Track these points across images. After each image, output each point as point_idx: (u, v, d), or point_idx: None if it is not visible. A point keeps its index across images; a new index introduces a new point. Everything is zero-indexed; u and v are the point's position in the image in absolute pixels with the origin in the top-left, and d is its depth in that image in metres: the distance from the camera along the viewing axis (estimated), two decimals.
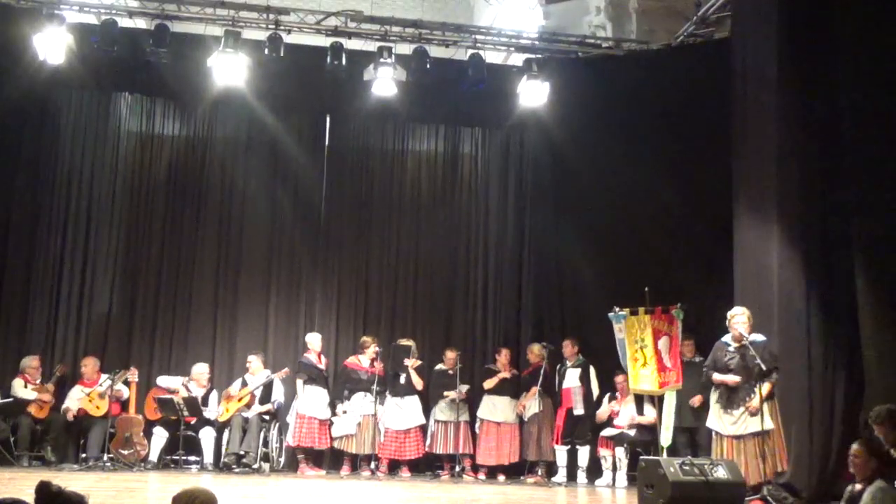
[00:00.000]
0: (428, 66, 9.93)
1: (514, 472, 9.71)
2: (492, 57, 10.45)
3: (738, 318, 7.47)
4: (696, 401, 8.88)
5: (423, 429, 9.73)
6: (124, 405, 9.43)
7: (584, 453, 9.46)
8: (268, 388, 9.62)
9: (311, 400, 9.61)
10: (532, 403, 9.59)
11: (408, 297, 10.79)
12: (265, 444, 9.44)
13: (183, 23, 10.03)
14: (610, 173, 10.18)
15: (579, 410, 9.47)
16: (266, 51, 9.62)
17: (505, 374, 9.83)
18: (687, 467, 6.39)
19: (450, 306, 10.81)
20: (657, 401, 8.96)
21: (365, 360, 9.76)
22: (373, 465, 9.45)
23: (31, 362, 9.42)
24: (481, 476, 9.61)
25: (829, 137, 7.75)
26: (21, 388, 9.27)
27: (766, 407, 7.17)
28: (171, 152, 10.68)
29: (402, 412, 9.64)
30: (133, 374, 9.45)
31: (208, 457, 9.37)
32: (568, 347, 9.75)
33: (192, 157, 10.67)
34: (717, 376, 7.57)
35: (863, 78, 7.55)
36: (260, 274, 10.55)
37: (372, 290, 10.73)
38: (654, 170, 9.91)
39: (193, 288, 10.36)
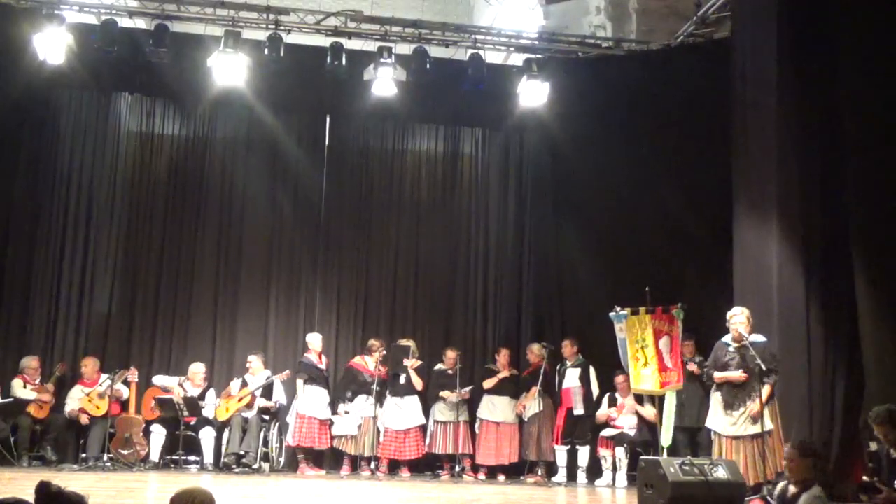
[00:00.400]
0: (428, 66, 9.93)
1: (514, 472, 9.71)
2: (492, 57, 10.45)
3: (737, 318, 7.47)
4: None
5: (423, 429, 9.73)
6: (124, 405, 9.43)
7: (583, 453, 9.46)
8: (268, 388, 9.62)
9: (312, 400, 9.60)
10: (532, 403, 9.59)
11: (408, 297, 10.79)
12: (265, 443, 9.43)
13: (183, 23, 10.03)
14: (610, 173, 10.19)
15: (579, 410, 9.47)
16: (266, 51, 9.62)
17: (505, 374, 9.83)
18: (687, 467, 6.39)
19: (450, 306, 10.81)
20: (657, 401, 8.96)
21: (371, 362, 9.75)
22: (373, 465, 9.45)
23: (31, 362, 9.42)
24: (481, 476, 9.61)
25: (829, 137, 7.76)
26: (20, 389, 9.27)
27: (766, 408, 7.17)
28: (171, 152, 10.68)
29: (402, 412, 9.64)
30: (133, 374, 9.45)
31: (208, 457, 9.37)
32: (567, 347, 9.75)
33: (192, 158, 10.68)
34: (718, 374, 7.57)
35: (863, 78, 7.55)
36: (260, 274, 10.55)
37: (372, 289, 10.73)
38: (654, 170, 9.92)
39: (193, 288, 10.37)
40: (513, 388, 9.82)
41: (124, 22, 9.82)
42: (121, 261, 10.28)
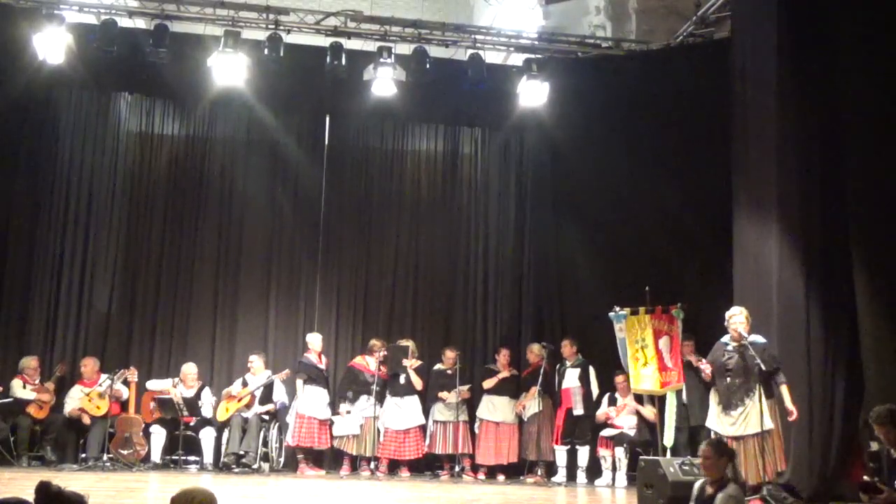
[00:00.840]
0: (428, 66, 9.93)
1: (514, 472, 9.70)
2: (492, 57, 10.45)
3: (736, 317, 7.46)
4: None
5: (423, 429, 9.73)
6: (124, 405, 9.42)
7: (583, 453, 9.46)
8: (268, 388, 9.62)
9: (311, 400, 9.60)
10: (531, 403, 9.59)
11: (407, 297, 10.79)
12: (265, 443, 9.43)
13: (182, 23, 10.03)
14: (610, 173, 10.19)
15: (579, 410, 9.46)
16: (266, 51, 9.61)
17: (504, 374, 9.83)
18: (687, 467, 6.40)
19: (450, 306, 10.81)
20: (658, 401, 8.97)
21: (373, 362, 9.74)
22: (372, 465, 9.45)
23: (30, 363, 9.42)
24: (481, 476, 9.61)
25: (829, 137, 7.76)
26: (20, 389, 9.27)
27: (765, 407, 7.16)
28: (171, 152, 10.68)
29: (402, 412, 9.63)
30: (132, 374, 9.44)
31: (208, 457, 9.37)
32: (567, 347, 9.75)
33: (192, 157, 10.68)
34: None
35: (862, 78, 7.55)
36: (260, 274, 10.55)
37: (372, 289, 10.73)
38: (654, 170, 9.92)
39: (193, 288, 10.37)
40: (513, 388, 9.82)
41: (124, 22, 9.81)
42: (121, 261, 10.28)
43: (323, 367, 9.86)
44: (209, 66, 9.52)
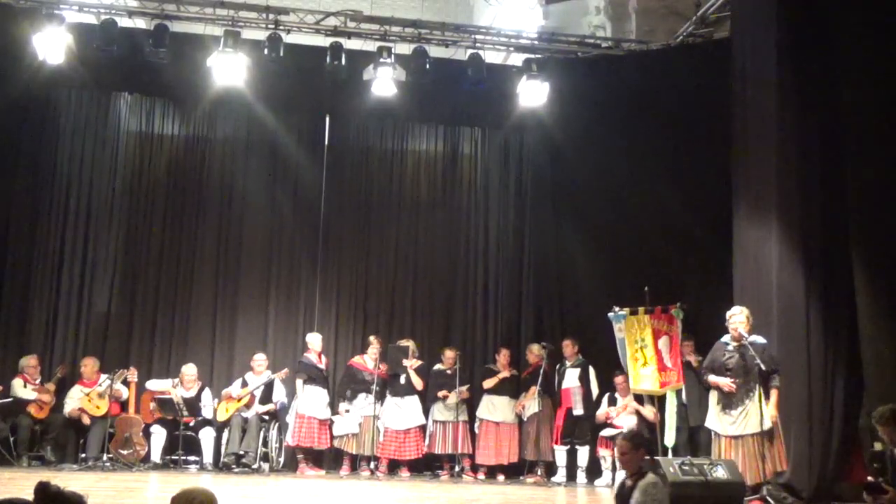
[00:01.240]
0: (427, 66, 9.92)
1: (514, 472, 9.70)
2: (491, 57, 10.45)
3: (736, 317, 7.45)
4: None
5: (423, 429, 9.73)
6: (124, 405, 9.42)
7: (583, 453, 9.46)
8: (268, 388, 9.62)
9: (311, 400, 9.60)
10: (531, 403, 9.59)
11: (407, 297, 10.79)
12: (265, 443, 9.44)
13: (182, 23, 10.03)
14: (610, 173, 10.19)
15: (579, 411, 9.47)
16: (265, 51, 9.61)
17: (504, 374, 9.83)
18: (687, 467, 6.40)
19: (449, 306, 10.81)
20: (657, 401, 8.97)
21: (369, 360, 9.75)
22: (372, 465, 9.45)
23: (30, 361, 9.42)
24: (480, 476, 9.61)
25: (829, 137, 7.75)
26: (21, 388, 9.27)
27: (765, 407, 7.16)
28: (171, 152, 10.68)
29: (402, 412, 9.63)
30: (132, 374, 9.44)
31: (208, 457, 9.38)
32: (568, 347, 9.75)
33: (192, 157, 10.68)
34: (712, 378, 7.56)
35: (862, 78, 7.55)
36: (260, 274, 10.55)
37: (371, 289, 10.73)
38: (654, 170, 9.92)
39: (193, 288, 10.37)
40: (512, 388, 9.82)
41: (124, 22, 9.81)
42: (121, 261, 10.29)
43: (323, 367, 9.86)
44: (209, 66, 9.52)
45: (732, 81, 8.78)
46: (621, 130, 10.16)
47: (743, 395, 7.36)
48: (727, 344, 7.55)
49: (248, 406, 9.48)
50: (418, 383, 9.66)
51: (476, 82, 9.98)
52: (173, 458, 9.26)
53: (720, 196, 8.89)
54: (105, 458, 8.93)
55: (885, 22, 7.46)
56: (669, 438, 8.98)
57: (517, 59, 10.52)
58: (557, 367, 9.74)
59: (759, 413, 7.16)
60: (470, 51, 10.15)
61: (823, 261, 7.71)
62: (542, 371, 9.46)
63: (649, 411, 9.17)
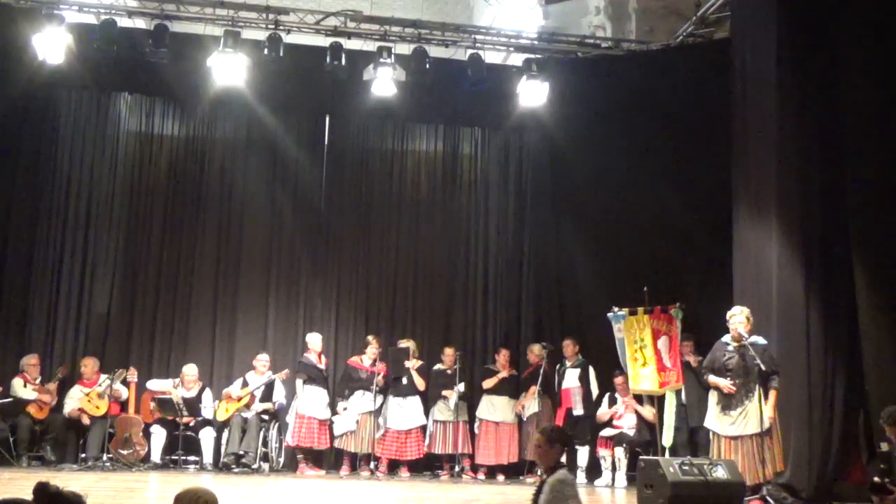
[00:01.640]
0: (427, 66, 9.92)
1: (514, 472, 9.70)
2: (491, 57, 10.44)
3: (737, 317, 7.45)
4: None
5: (425, 429, 9.73)
6: (123, 405, 9.42)
7: (583, 453, 9.46)
8: (269, 388, 9.62)
9: (311, 400, 9.60)
10: (531, 403, 9.59)
11: (407, 297, 10.79)
12: (264, 444, 9.43)
13: (182, 23, 10.03)
14: (610, 173, 10.19)
15: (578, 411, 9.46)
16: (265, 51, 9.61)
17: (504, 374, 9.83)
18: (686, 467, 6.39)
19: (450, 306, 10.81)
20: (657, 401, 8.97)
21: (366, 359, 9.76)
22: (372, 465, 9.45)
23: (30, 360, 9.42)
24: (480, 476, 9.61)
25: (829, 137, 7.75)
26: (21, 388, 9.27)
27: (765, 407, 7.17)
28: (171, 152, 10.68)
29: (404, 412, 9.64)
30: (132, 374, 9.44)
31: (208, 457, 9.37)
32: (569, 347, 9.75)
33: (192, 157, 10.67)
34: (713, 378, 7.56)
35: (862, 78, 7.55)
36: (260, 274, 10.55)
37: (372, 289, 10.73)
38: (654, 170, 9.91)
39: (193, 288, 10.37)
40: (512, 388, 9.82)
41: (124, 22, 9.80)
42: (121, 261, 10.28)
43: (323, 367, 9.86)
44: (209, 66, 9.52)
45: (732, 81, 8.78)
46: (621, 130, 10.16)
47: (743, 396, 7.36)
48: (727, 344, 7.55)
49: (248, 406, 9.48)
50: (421, 384, 9.66)
51: (476, 82, 9.98)
52: (173, 458, 9.26)
53: (720, 196, 8.89)
54: (105, 458, 8.93)
55: (885, 22, 7.46)
56: (667, 438, 8.99)
57: (517, 59, 10.51)
58: (557, 367, 9.74)
59: (758, 413, 7.16)
60: (470, 51, 10.15)
61: (823, 261, 7.71)
62: (542, 371, 9.46)
63: (648, 412, 9.17)
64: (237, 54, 9.40)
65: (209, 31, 9.93)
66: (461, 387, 9.63)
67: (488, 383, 9.83)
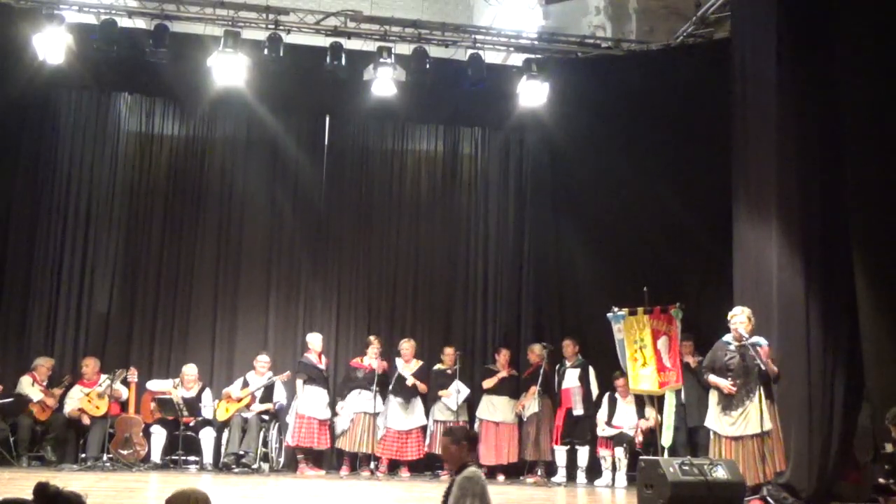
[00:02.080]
0: (427, 66, 9.92)
1: (514, 472, 9.70)
2: (491, 57, 10.44)
3: (738, 317, 7.46)
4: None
5: (425, 430, 9.73)
6: (124, 405, 9.43)
7: (583, 453, 9.46)
8: (269, 389, 9.62)
9: (311, 400, 9.60)
10: (531, 403, 9.59)
11: (408, 297, 10.79)
12: (265, 444, 9.43)
13: (182, 23, 10.03)
14: (610, 173, 10.19)
15: (578, 411, 9.47)
16: (266, 51, 9.61)
17: (504, 374, 9.83)
18: (686, 467, 6.39)
19: (449, 306, 10.81)
20: (657, 401, 8.97)
21: (367, 358, 9.76)
22: (372, 465, 9.45)
23: (45, 363, 9.45)
24: None
25: (829, 137, 7.75)
26: (28, 386, 9.26)
27: (765, 407, 7.17)
28: (171, 152, 10.68)
29: (405, 412, 9.64)
30: (132, 374, 9.44)
31: (208, 457, 9.37)
32: (569, 347, 9.75)
33: (192, 157, 10.68)
34: (713, 379, 7.56)
35: (862, 78, 7.55)
36: (260, 274, 10.55)
37: (372, 289, 10.74)
38: (654, 169, 9.92)
39: (193, 288, 10.37)
40: (512, 389, 9.82)
41: (124, 22, 9.80)
42: (121, 261, 10.29)
43: (323, 367, 9.86)
44: (209, 66, 9.52)
45: (732, 81, 8.78)
46: (621, 130, 10.16)
47: (743, 396, 7.36)
48: (728, 344, 7.55)
49: (248, 406, 9.48)
50: (423, 388, 9.67)
51: (476, 82, 9.98)
52: (173, 458, 9.26)
53: (720, 196, 8.89)
54: (105, 458, 8.93)
55: (885, 22, 7.46)
56: (667, 438, 8.99)
57: (517, 59, 10.51)
58: (557, 367, 9.74)
59: (759, 414, 7.16)
60: (470, 51, 10.15)
61: (823, 261, 7.70)
62: (542, 371, 9.46)
63: (649, 411, 9.17)
64: (237, 54, 9.40)
65: (209, 31, 9.93)
66: (460, 386, 9.62)
67: (488, 383, 9.83)
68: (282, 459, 9.75)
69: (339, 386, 9.91)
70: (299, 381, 9.65)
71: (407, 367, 9.82)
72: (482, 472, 4.50)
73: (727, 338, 7.60)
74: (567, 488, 9.15)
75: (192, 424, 9.43)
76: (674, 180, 9.78)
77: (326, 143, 10.94)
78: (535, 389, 9.52)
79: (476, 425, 9.77)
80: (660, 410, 8.94)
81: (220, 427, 9.42)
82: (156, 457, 9.28)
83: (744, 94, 8.55)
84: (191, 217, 10.53)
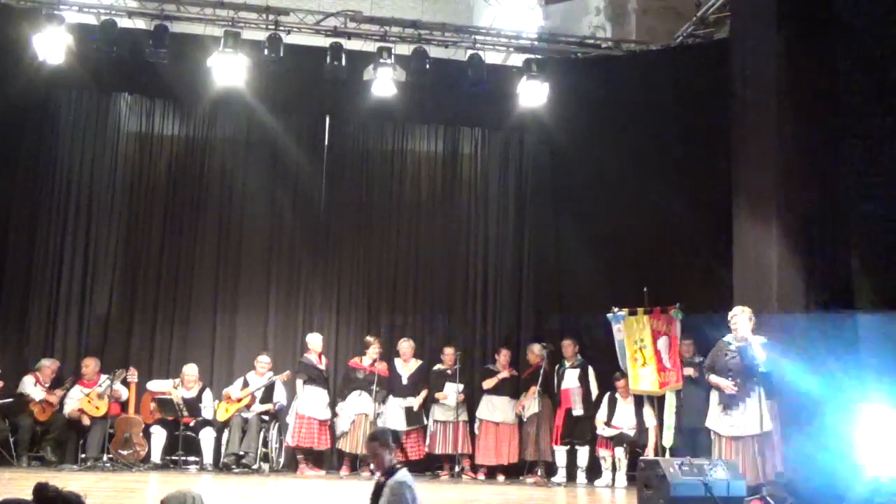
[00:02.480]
0: (427, 66, 9.93)
1: (514, 472, 9.71)
2: (491, 57, 10.45)
3: (738, 317, 7.47)
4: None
5: (425, 430, 9.73)
6: (124, 406, 9.43)
7: (583, 453, 9.46)
8: (269, 389, 9.62)
9: (311, 400, 9.60)
10: (531, 403, 9.59)
11: (408, 297, 10.79)
12: (265, 444, 9.44)
13: (182, 23, 10.04)
14: (610, 173, 10.18)
15: (578, 411, 9.47)
16: (265, 51, 9.62)
17: (504, 374, 9.83)
18: (686, 467, 6.40)
19: (450, 306, 10.81)
20: (657, 401, 8.97)
21: (366, 359, 9.76)
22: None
23: (50, 365, 9.44)
24: (480, 476, 9.61)
25: (828, 138, 7.75)
26: (31, 385, 9.26)
27: (765, 407, 7.17)
28: (171, 152, 10.68)
29: (404, 413, 9.63)
30: (132, 375, 9.44)
31: (208, 457, 9.37)
32: (569, 347, 9.75)
33: (192, 158, 10.68)
34: (714, 378, 7.56)
35: (862, 78, 7.55)
36: (260, 274, 10.55)
37: (372, 290, 10.74)
38: (654, 170, 9.92)
39: (193, 288, 10.37)
40: (512, 389, 9.82)
41: (124, 22, 9.81)
42: (121, 261, 10.29)
43: (323, 367, 9.86)
44: (209, 67, 9.53)
45: (732, 81, 8.78)
46: (621, 130, 10.16)
47: (743, 396, 7.36)
48: (729, 344, 7.55)
49: (248, 406, 9.48)
50: (420, 401, 9.69)
51: (476, 83, 9.98)
52: (173, 458, 9.26)
53: (720, 196, 8.89)
54: (105, 458, 8.93)
55: (885, 22, 7.46)
56: (668, 439, 8.99)
57: (517, 60, 10.52)
58: (557, 367, 9.74)
59: (759, 413, 7.16)
60: (470, 51, 10.15)
61: (823, 261, 7.70)
62: (542, 371, 9.46)
63: (649, 412, 9.17)
64: (237, 55, 9.40)
65: (209, 31, 9.94)
66: (458, 387, 9.62)
67: (488, 383, 9.84)
68: (282, 460, 9.75)
69: (338, 386, 9.90)
70: (299, 382, 9.65)
71: (406, 366, 9.83)
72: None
73: (728, 338, 7.60)
74: (567, 488, 9.16)
75: (191, 425, 9.43)
76: (674, 180, 9.78)
77: (326, 143, 10.94)
78: (535, 389, 9.52)
79: (476, 425, 9.78)
80: (660, 411, 8.93)
81: (220, 427, 9.42)
82: (156, 457, 9.28)
83: (744, 94, 8.55)
84: (191, 217, 10.53)
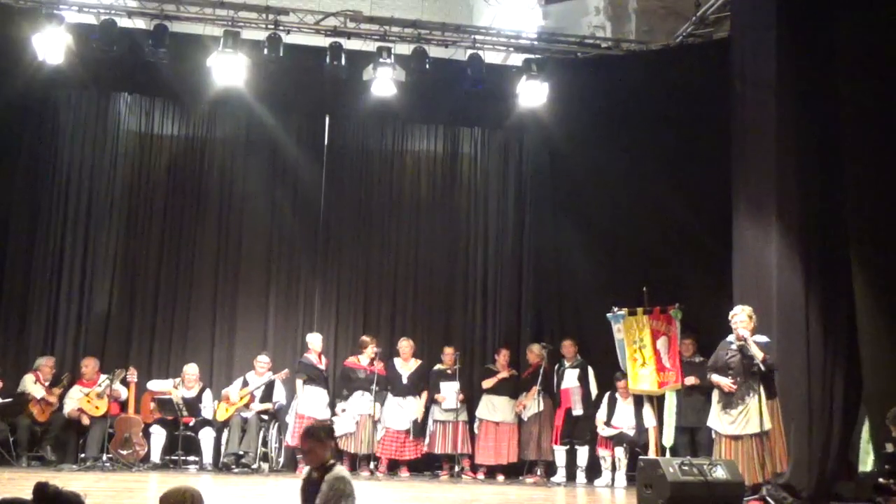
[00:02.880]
0: (427, 66, 9.91)
1: (513, 472, 9.71)
2: (491, 57, 10.44)
3: (738, 317, 7.46)
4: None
5: (425, 429, 9.72)
6: (123, 405, 9.43)
7: (583, 453, 9.46)
8: (268, 388, 9.62)
9: (311, 400, 9.60)
10: (531, 403, 9.59)
11: (407, 297, 10.80)
12: (264, 444, 9.44)
13: (182, 23, 10.03)
14: (610, 173, 10.18)
15: (578, 411, 9.47)
16: (265, 51, 9.61)
17: (504, 374, 9.84)
18: (686, 467, 6.40)
19: (449, 306, 10.81)
20: (656, 401, 8.97)
21: (364, 359, 9.76)
22: (372, 465, 9.45)
23: (47, 362, 9.46)
24: (480, 476, 9.61)
25: (828, 137, 7.76)
26: (31, 384, 9.27)
27: (765, 407, 7.17)
28: (171, 152, 10.68)
29: (403, 412, 9.65)
30: (132, 374, 9.44)
31: (207, 457, 9.38)
32: (569, 347, 9.75)
33: (192, 157, 10.68)
34: (714, 377, 7.57)
35: (862, 78, 7.55)
36: (259, 274, 10.56)
37: (371, 289, 10.74)
38: (654, 170, 9.91)
39: (193, 288, 10.37)
40: (512, 388, 9.83)
41: (123, 22, 9.79)
42: (120, 260, 10.29)
43: (323, 367, 9.86)
44: (209, 67, 9.52)
45: (732, 81, 8.78)
46: (621, 130, 10.15)
47: (744, 395, 7.36)
48: (731, 343, 7.55)
49: (247, 406, 9.48)
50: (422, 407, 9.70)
51: (476, 82, 9.97)
52: (173, 458, 9.27)
53: (720, 196, 8.88)
54: (105, 458, 8.94)
55: (885, 22, 7.46)
56: (668, 438, 8.99)
57: (517, 60, 10.50)
58: (556, 367, 9.74)
59: (759, 413, 7.17)
60: (470, 51, 10.14)
61: (823, 261, 7.71)
62: (541, 371, 9.46)
63: (649, 412, 9.17)
64: (237, 54, 9.39)
65: (209, 31, 9.94)
66: (456, 386, 9.62)
67: (488, 383, 9.84)
68: (281, 459, 9.75)
69: (336, 386, 9.90)
70: (299, 381, 9.65)
71: (405, 365, 9.84)
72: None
73: (730, 337, 7.60)
74: (567, 488, 9.16)
75: (191, 424, 9.43)
76: (674, 180, 9.77)
77: (326, 143, 10.94)
78: (535, 389, 9.52)
79: (476, 425, 9.78)
80: (660, 411, 8.93)
81: (220, 427, 9.42)
82: (155, 457, 9.28)
83: (743, 94, 8.55)
84: (190, 216, 10.53)
